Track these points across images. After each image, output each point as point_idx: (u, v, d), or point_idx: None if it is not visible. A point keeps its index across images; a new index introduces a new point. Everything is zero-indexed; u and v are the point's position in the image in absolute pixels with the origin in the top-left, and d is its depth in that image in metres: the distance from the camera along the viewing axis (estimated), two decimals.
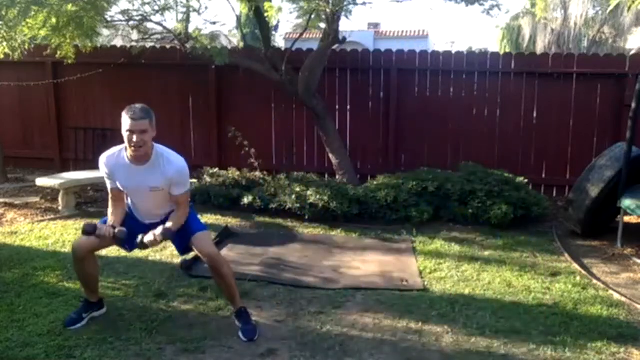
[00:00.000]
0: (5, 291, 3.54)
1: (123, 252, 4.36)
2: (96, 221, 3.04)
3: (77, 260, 3.03)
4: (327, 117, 6.38)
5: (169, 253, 4.41)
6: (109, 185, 3.08)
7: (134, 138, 2.82)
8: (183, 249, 3.21)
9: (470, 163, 6.15)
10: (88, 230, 2.90)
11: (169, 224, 3.00)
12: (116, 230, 2.92)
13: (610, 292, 3.76)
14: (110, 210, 3.09)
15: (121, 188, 3.05)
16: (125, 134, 2.85)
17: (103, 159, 3.02)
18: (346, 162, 6.41)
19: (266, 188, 5.72)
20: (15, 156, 7.65)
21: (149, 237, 2.94)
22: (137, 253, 4.38)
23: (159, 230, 2.95)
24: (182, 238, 3.10)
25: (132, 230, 3.04)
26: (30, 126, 7.79)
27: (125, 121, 2.84)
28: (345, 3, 5.74)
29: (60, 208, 5.68)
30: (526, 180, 5.90)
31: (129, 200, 3.16)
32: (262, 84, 6.85)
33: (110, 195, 3.10)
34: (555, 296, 3.66)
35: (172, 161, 3.00)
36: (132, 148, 2.86)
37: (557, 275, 4.07)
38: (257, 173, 6.25)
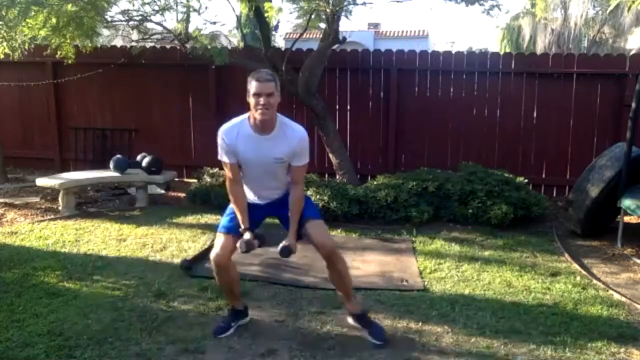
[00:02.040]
0: (5, 291, 3.54)
1: (123, 252, 4.39)
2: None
3: (222, 269, 2.95)
4: (327, 117, 6.38)
5: (169, 253, 4.41)
6: (227, 161, 2.89)
7: (261, 100, 2.71)
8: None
9: (470, 163, 6.15)
10: (249, 249, 2.88)
11: (290, 233, 2.94)
12: (256, 242, 2.90)
13: (610, 292, 3.75)
14: (233, 199, 2.93)
15: (241, 162, 2.90)
16: (251, 99, 2.76)
17: (223, 130, 2.88)
18: (346, 162, 6.41)
19: None
20: (15, 156, 7.64)
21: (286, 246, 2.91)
22: (138, 253, 4.39)
23: (286, 243, 2.93)
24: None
25: (251, 218, 2.95)
26: (30, 126, 7.79)
27: (252, 85, 2.75)
28: (345, 3, 5.74)
29: (60, 208, 5.67)
30: (526, 180, 5.89)
31: (244, 182, 3.00)
32: None
33: (228, 175, 2.94)
34: (555, 296, 3.66)
35: (296, 130, 2.89)
36: (260, 111, 2.73)
37: (557, 275, 4.07)
38: None
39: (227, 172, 2.95)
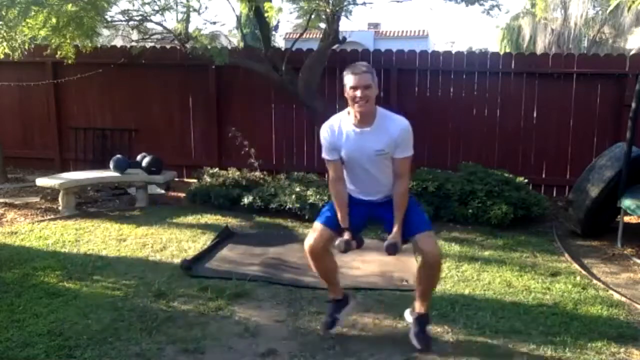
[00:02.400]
0: (5, 291, 3.54)
1: (123, 252, 4.40)
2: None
3: (316, 259, 2.94)
4: (327, 116, 6.36)
5: (169, 253, 4.41)
6: (330, 158, 2.90)
7: (358, 93, 2.69)
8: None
9: (470, 163, 6.15)
10: (347, 249, 2.85)
11: (395, 229, 2.85)
12: (354, 243, 2.88)
13: (610, 292, 3.75)
14: (334, 196, 2.92)
15: (345, 158, 2.87)
16: (348, 92, 2.75)
17: (325, 128, 2.89)
18: None
19: (266, 188, 5.72)
20: (15, 156, 7.64)
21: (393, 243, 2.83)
22: (138, 253, 4.39)
23: (392, 241, 2.84)
24: (404, 230, 2.89)
25: (352, 218, 2.91)
26: (30, 126, 7.79)
27: (348, 78, 2.74)
28: (345, 3, 5.74)
29: (60, 208, 5.67)
30: (526, 180, 5.89)
31: (347, 178, 2.97)
32: (262, 84, 6.85)
33: (331, 173, 2.94)
34: (555, 296, 3.65)
35: (397, 120, 2.85)
36: (357, 104, 2.72)
37: (557, 275, 4.07)
38: (257, 173, 6.25)
39: (330, 170, 2.94)
